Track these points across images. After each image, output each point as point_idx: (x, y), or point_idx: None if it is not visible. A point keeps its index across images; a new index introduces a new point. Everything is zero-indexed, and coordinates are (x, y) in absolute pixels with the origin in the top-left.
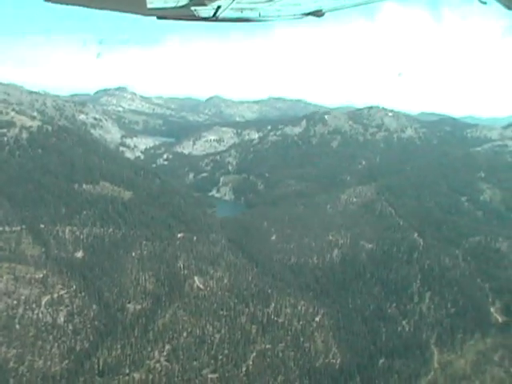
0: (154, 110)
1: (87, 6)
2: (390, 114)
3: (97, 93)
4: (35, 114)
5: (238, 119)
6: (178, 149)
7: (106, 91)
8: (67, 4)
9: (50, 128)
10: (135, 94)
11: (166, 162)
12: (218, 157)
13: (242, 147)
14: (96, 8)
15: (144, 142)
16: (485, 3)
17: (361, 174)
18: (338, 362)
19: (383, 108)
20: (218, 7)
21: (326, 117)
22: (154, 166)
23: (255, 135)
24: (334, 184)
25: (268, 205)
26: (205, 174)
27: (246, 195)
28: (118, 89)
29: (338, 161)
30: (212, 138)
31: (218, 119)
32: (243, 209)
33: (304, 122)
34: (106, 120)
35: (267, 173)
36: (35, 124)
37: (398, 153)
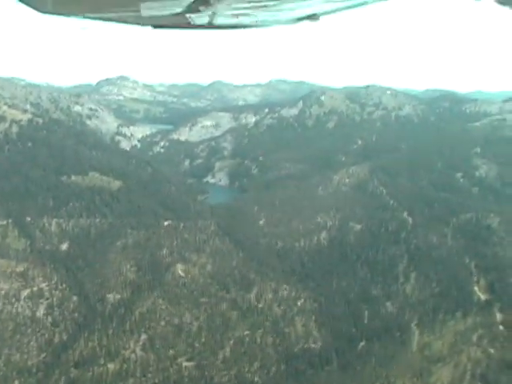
0: (155, 97)
1: (83, 18)
2: (388, 92)
3: (98, 83)
4: (28, 107)
5: (240, 103)
6: (175, 136)
7: (107, 80)
8: (63, 16)
9: (40, 121)
10: (137, 83)
11: (162, 150)
12: (213, 142)
13: (238, 131)
14: (92, 19)
15: (141, 131)
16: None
17: (356, 154)
18: (317, 346)
19: (381, 86)
20: (214, 14)
21: (322, 97)
22: (150, 154)
23: (252, 119)
24: (328, 165)
25: (261, 189)
26: (200, 161)
27: (240, 180)
28: (120, 78)
29: (334, 141)
30: (208, 123)
31: (220, 104)
32: (237, 194)
33: (301, 104)
34: (102, 110)
35: (261, 156)
36: (26, 117)
37: (395, 131)
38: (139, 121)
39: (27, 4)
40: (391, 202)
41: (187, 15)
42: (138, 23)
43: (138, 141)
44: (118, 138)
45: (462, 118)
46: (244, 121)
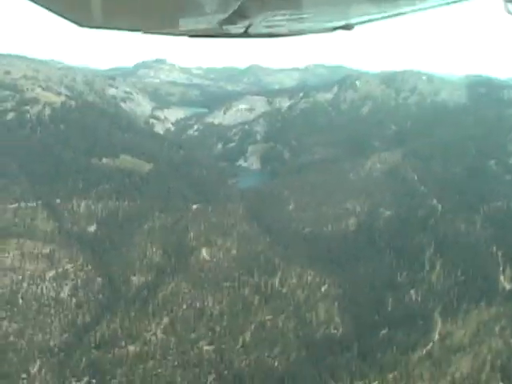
0: (192, 80)
1: (121, 29)
2: (424, 77)
3: (135, 65)
4: (62, 89)
5: (277, 87)
6: (209, 119)
7: (144, 63)
8: (102, 28)
9: (73, 103)
10: (174, 66)
11: (196, 133)
12: (246, 126)
13: (271, 115)
14: (129, 31)
15: (175, 114)
16: None
17: (389, 139)
18: (339, 332)
19: (417, 71)
20: (249, 25)
21: (357, 82)
22: (183, 137)
23: (287, 103)
24: (361, 150)
25: (292, 173)
26: (233, 144)
27: (271, 164)
28: (157, 61)
29: (367, 127)
30: (243, 107)
31: (257, 88)
32: (268, 178)
33: (336, 88)
34: (137, 93)
35: (294, 140)
36: (59, 100)
37: (430, 117)
38: (175, 104)
39: (69, 19)
40: (422, 188)
41: (224, 27)
42: (175, 34)
43: (172, 124)
44: (152, 121)
45: (500, 104)
46: (278, 105)
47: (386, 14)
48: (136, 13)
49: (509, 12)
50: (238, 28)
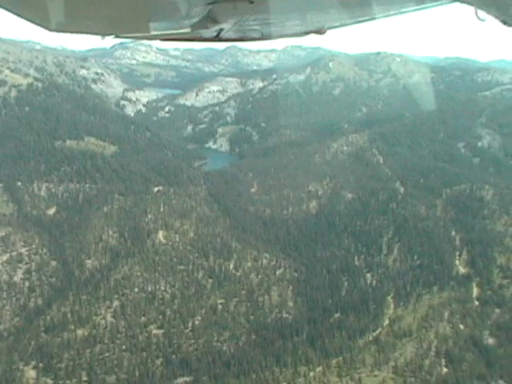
0: (168, 61)
1: (91, 34)
2: (398, 59)
3: (113, 47)
4: (31, 71)
5: (254, 68)
6: (181, 101)
7: (121, 44)
8: (72, 33)
9: (40, 85)
10: (151, 47)
11: (167, 115)
12: (217, 108)
13: (242, 97)
14: (100, 35)
15: (147, 95)
16: (483, 20)
17: (359, 121)
18: (290, 317)
19: (391, 53)
20: (221, 29)
21: (330, 64)
22: (154, 119)
23: (259, 84)
24: (330, 133)
25: (259, 156)
26: (203, 126)
27: (240, 146)
28: (134, 42)
29: (338, 109)
30: (215, 88)
31: (234, 69)
32: (235, 160)
33: (308, 70)
34: (109, 74)
35: (263, 122)
36: (26, 82)
37: (402, 99)
38: (149, 85)
39: (34, 22)
40: (386, 171)
41: (195, 31)
42: (147, 38)
43: (143, 105)
44: (123, 102)
45: (473, 86)
46: (251, 86)
47: (358, 19)
48: (107, 17)
49: (479, 19)
50: (210, 32)
